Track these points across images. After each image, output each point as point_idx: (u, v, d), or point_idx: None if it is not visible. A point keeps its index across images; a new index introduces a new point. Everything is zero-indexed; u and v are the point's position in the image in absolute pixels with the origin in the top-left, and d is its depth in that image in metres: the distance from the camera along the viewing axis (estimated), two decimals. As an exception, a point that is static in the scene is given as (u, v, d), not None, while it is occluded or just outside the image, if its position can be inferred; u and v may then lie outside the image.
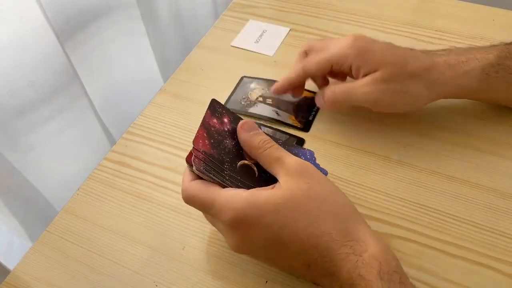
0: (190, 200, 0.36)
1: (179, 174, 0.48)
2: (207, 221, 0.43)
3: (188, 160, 0.36)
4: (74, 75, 0.64)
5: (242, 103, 0.53)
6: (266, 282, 0.39)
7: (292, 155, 0.36)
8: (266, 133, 0.38)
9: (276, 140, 0.38)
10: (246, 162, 0.37)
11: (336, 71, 0.46)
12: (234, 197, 0.34)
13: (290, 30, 0.63)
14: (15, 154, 0.61)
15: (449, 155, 0.46)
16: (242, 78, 0.57)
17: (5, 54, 0.54)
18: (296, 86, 0.50)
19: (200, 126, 0.38)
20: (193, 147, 0.36)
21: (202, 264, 0.41)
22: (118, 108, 0.81)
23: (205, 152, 0.36)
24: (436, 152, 0.47)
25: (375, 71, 0.43)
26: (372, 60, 0.43)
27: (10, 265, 0.44)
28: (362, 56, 0.44)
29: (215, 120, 0.38)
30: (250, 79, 0.56)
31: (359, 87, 0.44)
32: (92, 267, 0.42)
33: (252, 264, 0.41)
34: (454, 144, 0.47)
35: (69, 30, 0.67)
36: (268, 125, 0.51)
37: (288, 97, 0.53)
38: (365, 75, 0.44)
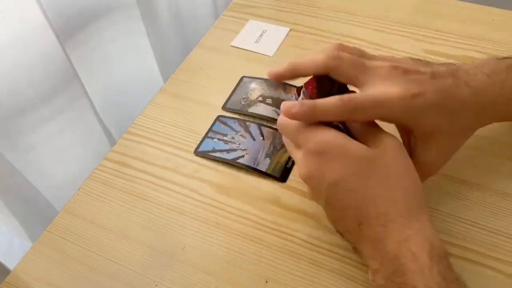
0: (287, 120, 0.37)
1: (179, 174, 0.48)
2: (207, 221, 0.44)
3: (298, 90, 0.38)
4: (74, 75, 0.64)
5: (242, 103, 0.53)
6: (266, 282, 0.39)
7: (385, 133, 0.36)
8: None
9: None
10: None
11: None
12: (330, 131, 0.35)
13: (290, 30, 0.63)
14: (15, 154, 0.61)
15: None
16: (242, 78, 0.57)
17: (5, 54, 0.54)
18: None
19: (313, 77, 0.38)
20: (302, 87, 0.38)
21: (202, 264, 0.41)
22: (118, 108, 0.81)
23: (311, 97, 0.37)
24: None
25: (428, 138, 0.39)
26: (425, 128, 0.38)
27: (10, 265, 0.44)
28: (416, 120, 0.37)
29: (326, 81, 0.38)
30: (250, 79, 0.56)
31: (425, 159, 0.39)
32: (92, 267, 0.42)
33: (252, 264, 0.41)
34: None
35: (69, 30, 0.67)
36: (268, 125, 0.51)
37: (288, 96, 0.53)
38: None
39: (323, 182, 0.35)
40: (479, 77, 0.38)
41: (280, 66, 0.39)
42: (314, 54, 0.38)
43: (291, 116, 0.36)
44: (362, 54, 0.39)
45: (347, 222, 0.35)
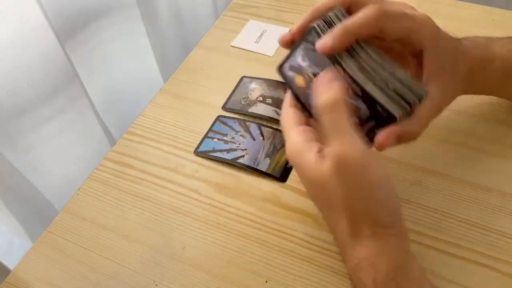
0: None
1: (179, 174, 0.48)
2: (207, 221, 0.44)
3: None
4: (74, 75, 0.64)
5: (242, 103, 0.53)
6: (266, 282, 0.39)
7: (339, 139, 0.33)
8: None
9: None
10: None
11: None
12: (296, 137, 0.34)
13: (290, 30, 0.63)
14: (15, 154, 0.61)
15: (447, 154, 0.47)
16: (242, 78, 0.57)
17: (5, 54, 0.54)
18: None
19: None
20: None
21: (202, 264, 0.41)
22: (118, 108, 0.81)
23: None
24: (429, 150, 0.47)
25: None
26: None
27: (10, 265, 0.45)
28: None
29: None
30: (250, 79, 0.56)
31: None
32: (92, 267, 0.42)
33: (252, 264, 0.41)
34: (449, 142, 0.47)
35: (69, 30, 0.67)
36: (268, 125, 0.51)
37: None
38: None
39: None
40: (471, 38, 0.42)
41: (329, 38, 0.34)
42: None
43: (331, 49, 0.33)
44: None
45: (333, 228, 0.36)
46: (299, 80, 0.37)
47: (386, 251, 0.32)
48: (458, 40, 0.40)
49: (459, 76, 0.39)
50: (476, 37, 0.43)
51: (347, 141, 0.32)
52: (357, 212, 0.32)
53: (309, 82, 0.36)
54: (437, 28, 0.37)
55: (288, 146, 0.35)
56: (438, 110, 0.38)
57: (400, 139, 0.35)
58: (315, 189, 0.34)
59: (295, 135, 0.34)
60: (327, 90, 0.33)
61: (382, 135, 0.34)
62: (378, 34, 0.35)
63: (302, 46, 0.37)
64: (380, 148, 0.34)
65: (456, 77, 0.39)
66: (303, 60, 0.37)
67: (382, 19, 0.34)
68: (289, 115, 0.36)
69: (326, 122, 0.32)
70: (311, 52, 0.36)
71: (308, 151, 0.33)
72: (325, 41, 0.34)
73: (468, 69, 0.40)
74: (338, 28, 0.34)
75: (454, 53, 0.38)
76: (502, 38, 0.44)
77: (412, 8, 0.38)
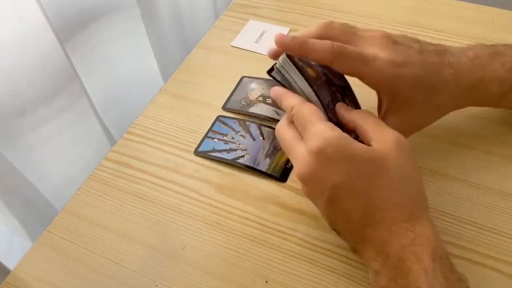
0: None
1: (179, 174, 0.48)
2: (207, 221, 0.44)
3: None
4: (74, 75, 0.64)
5: (242, 103, 0.53)
6: (266, 282, 0.39)
7: (391, 130, 0.36)
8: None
9: None
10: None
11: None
12: (333, 130, 0.34)
13: (290, 30, 0.63)
14: (15, 154, 0.61)
15: (444, 153, 0.47)
16: (242, 78, 0.57)
17: (5, 54, 0.54)
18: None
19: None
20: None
21: (202, 264, 0.41)
22: (118, 108, 0.81)
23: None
24: (428, 149, 0.47)
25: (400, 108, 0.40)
26: (401, 99, 0.40)
27: (10, 265, 0.45)
28: (394, 95, 0.40)
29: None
30: (250, 79, 0.56)
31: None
32: (92, 267, 0.42)
33: (252, 264, 0.41)
34: (447, 142, 0.47)
35: (69, 30, 0.67)
36: (268, 125, 0.51)
37: (288, 97, 0.53)
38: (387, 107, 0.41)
39: (326, 183, 0.34)
40: (463, 60, 0.40)
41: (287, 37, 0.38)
42: (307, 28, 0.40)
43: (282, 46, 0.37)
44: (353, 26, 0.41)
45: (349, 224, 0.35)
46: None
47: (437, 234, 0.33)
48: (438, 72, 0.40)
49: (432, 105, 0.40)
50: (480, 48, 0.42)
51: (395, 131, 0.35)
52: (417, 188, 0.34)
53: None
54: (395, 73, 0.38)
55: (321, 138, 0.34)
56: (404, 132, 0.39)
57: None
58: (370, 173, 0.33)
59: (330, 128, 0.34)
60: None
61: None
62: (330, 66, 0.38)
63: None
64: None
65: (425, 107, 0.40)
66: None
67: (336, 58, 0.37)
68: (313, 109, 0.36)
69: (371, 122, 0.36)
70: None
71: (354, 142, 0.34)
72: (283, 39, 0.37)
73: (453, 96, 0.41)
74: (299, 40, 0.37)
75: (422, 88, 0.39)
76: (507, 49, 0.42)
77: (386, 38, 0.39)
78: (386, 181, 0.33)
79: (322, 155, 0.33)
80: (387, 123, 0.36)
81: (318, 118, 0.35)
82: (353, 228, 0.35)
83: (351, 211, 0.34)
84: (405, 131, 0.38)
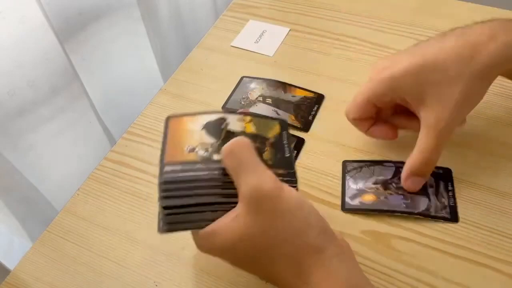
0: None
1: (179, 174, 0.48)
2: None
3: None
4: (74, 75, 0.64)
5: (242, 103, 0.53)
6: (266, 282, 0.39)
7: (248, 176, 0.31)
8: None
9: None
10: None
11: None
12: (199, 235, 0.34)
13: (290, 30, 0.63)
14: (15, 154, 0.61)
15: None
16: (242, 78, 0.57)
17: (5, 54, 0.54)
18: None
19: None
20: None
21: (202, 264, 0.41)
22: (118, 108, 0.80)
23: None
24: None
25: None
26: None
27: (10, 265, 0.44)
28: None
29: None
30: (250, 79, 0.56)
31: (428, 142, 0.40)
32: (92, 267, 0.42)
33: (252, 264, 0.41)
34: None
35: (69, 30, 0.67)
36: (268, 125, 0.51)
37: (288, 96, 0.53)
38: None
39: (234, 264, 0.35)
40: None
41: None
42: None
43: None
44: None
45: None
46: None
47: (334, 275, 0.31)
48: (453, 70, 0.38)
49: (452, 97, 0.39)
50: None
51: (256, 174, 0.31)
52: (290, 243, 0.31)
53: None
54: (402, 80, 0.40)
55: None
56: (441, 130, 0.39)
57: (414, 173, 0.41)
58: (243, 248, 0.32)
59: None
60: (232, 141, 0.32)
61: (403, 179, 0.42)
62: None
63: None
64: (412, 190, 0.42)
65: (446, 100, 0.39)
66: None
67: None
68: None
69: (235, 163, 0.31)
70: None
71: (221, 223, 0.32)
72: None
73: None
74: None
75: (435, 86, 0.39)
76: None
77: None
78: (263, 256, 0.32)
79: (207, 252, 0.35)
80: (427, 121, 0.39)
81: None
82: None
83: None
84: (445, 114, 0.38)
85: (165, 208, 0.32)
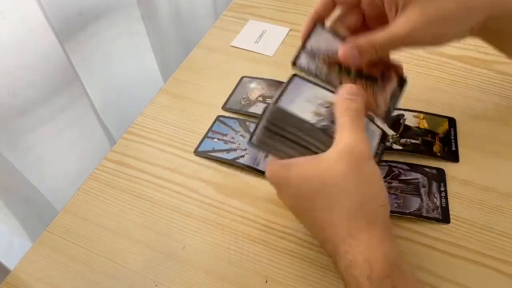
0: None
1: (179, 174, 0.48)
2: (207, 221, 0.44)
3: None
4: (74, 75, 0.64)
5: (242, 103, 0.53)
6: (266, 282, 0.39)
7: (352, 133, 0.34)
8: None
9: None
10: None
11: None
12: (274, 163, 0.37)
13: (290, 30, 0.63)
14: (15, 154, 0.61)
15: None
16: (242, 78, 0.57)
17: (5, 54, 0.54)
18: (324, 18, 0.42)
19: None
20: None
21: (202, 264, 0.41)
22: (118, 108, 0.81)
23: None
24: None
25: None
26: None
27: (10, 265, 0.45)
28: None
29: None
30: (250, 79, 0.56)
31: (401, 29, 0.38)
32: (92, 267, 0.42)
33: (252, 264, 0.41)
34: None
35: (69, 30, 0.67)
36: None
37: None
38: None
39: (288, 204, 0.38)
40: None
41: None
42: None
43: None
44: None
45: (315, 236, 0.37)
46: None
47: (381, 246, 0.32)
48: None
49: (440, 10, 0.37)
50: None
51: (358, 136, 0.34)
52: (355, 200, 0.33)
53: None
54: None
55: (267, 170, 0.37)
56: (408, 35, 0.37)
57: (359, 45, 0.38)
58: (306, 195, 0.34)
59: (272, 160, 0.37)
60: (353, 97, 0.36)
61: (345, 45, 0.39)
62: None
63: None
64: (342, 58, 0.39)
65: (432, 8, 0.37)
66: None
67: None
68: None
69: (347, 120, 0.35)
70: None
71: (293, 167, 0.35)
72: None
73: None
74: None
75: None
76: None
77: None
78: (325, 200, 0.33)
79: (275, 186, 0.38)
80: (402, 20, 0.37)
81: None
82: (320, 240, 0.36)
83: (308, 229, 0.38)
84: (414, 29, 0.37)
85: (266, 127, 0.36)
